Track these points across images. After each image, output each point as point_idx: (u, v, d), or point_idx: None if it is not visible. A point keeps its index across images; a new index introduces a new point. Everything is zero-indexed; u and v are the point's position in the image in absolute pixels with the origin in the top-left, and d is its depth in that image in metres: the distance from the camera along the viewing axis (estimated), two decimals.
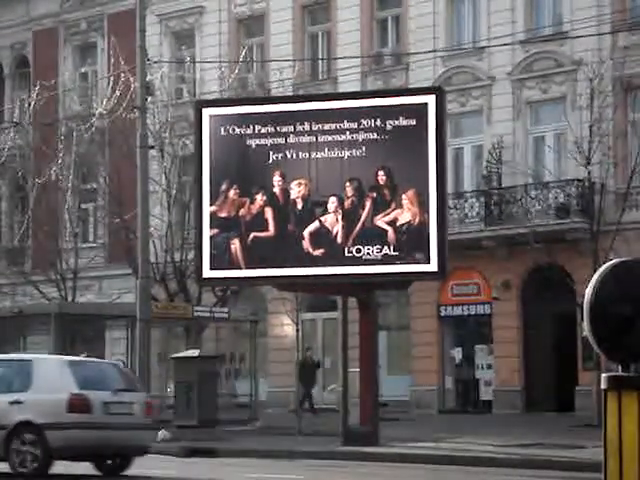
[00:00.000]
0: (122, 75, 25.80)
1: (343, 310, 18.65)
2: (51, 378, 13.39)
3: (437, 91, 18.29)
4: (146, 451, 13.96)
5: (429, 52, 26.50)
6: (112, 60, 27.18)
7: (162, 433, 19.31)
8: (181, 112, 26.82)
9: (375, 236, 17.28)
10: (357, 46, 28.41)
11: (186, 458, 17.27)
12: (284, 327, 27.27)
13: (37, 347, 23.84)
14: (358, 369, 17.98)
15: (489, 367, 26.32)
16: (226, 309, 24.85)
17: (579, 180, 24.33)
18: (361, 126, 17.44)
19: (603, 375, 5.60)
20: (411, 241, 17.21)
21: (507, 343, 25.81)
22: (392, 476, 13.78)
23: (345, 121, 17.50)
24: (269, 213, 17.78)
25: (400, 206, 17.27)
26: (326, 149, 17.55)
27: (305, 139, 17.66)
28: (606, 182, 23.75)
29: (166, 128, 26.03)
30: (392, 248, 17.19)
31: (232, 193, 17.94)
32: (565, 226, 24.52)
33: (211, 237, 17.93)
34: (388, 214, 17.34)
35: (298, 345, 22.52)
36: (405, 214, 17.25)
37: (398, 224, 17.25)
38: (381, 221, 17.35)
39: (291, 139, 17.72)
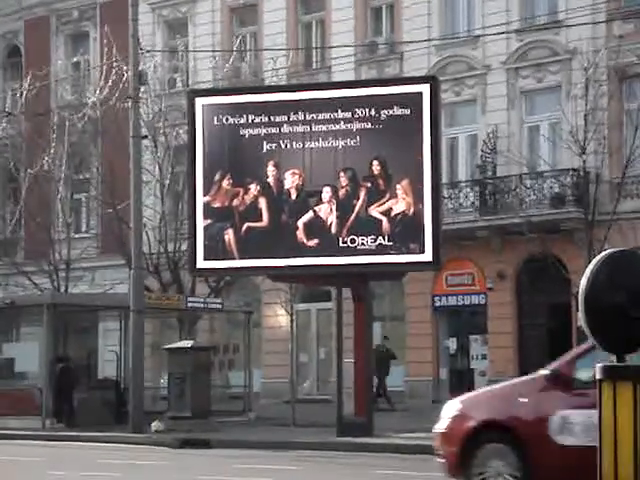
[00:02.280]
0: (115, 64, 25.69)
1: (338, 300, 18.59)
2: None
3: (432, 80, 18.22)
4: None
5: (423, 41, 26.41)
6: (104, 49, 27.04)
7: (156, 424, 19.27)
8: (174, 102, 26.71)
9: (369, 226, 17.23)
10: (351, 35, 28.30)
11: (180, 449, 17.21)
12: (278, 318, 27.19)
13: (30, 338, 23.77)
14: (353, 360, 17.93)
15: (484, 357, 26.30)
16: (220, 300, 24.79)
17: (574, 170, 24.26)
18: (355, 115, 17.37)
19: (598, 365, 5.54)
20: (405, 231, 17.15)
21: (502, 333, 25.78)
22: (387, 466, 13.73)
23: (339, 110, 17.43)
24: (263, 203, 17.71)
25: (394, 196, 17.22)
26: (320, 139, 17.48)
27: (299, 129, 17.59)
28: (601, 172, 23.69)
29: (159, 118, 25.93)
30: (386, 238, 17.14)
31: (226, 183, 17.87)
32: (560, 216, 24.47)
33: (205, 227, 17.86)
34: (382, 204, 17.28)
35: (292, 335, 22.45)
36: (399, 204, 17.19)
37: (392, 214, 17.20)
38: (375, 211, 17.29)
39: (285, 129, 17.64)
